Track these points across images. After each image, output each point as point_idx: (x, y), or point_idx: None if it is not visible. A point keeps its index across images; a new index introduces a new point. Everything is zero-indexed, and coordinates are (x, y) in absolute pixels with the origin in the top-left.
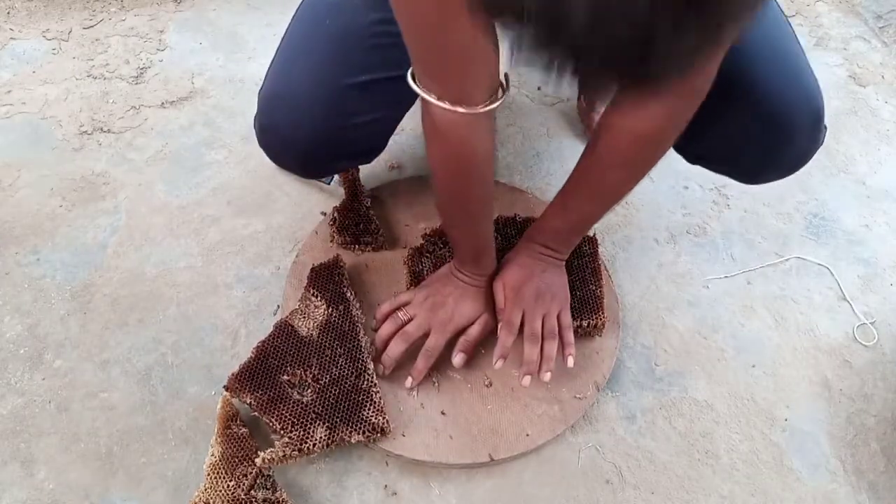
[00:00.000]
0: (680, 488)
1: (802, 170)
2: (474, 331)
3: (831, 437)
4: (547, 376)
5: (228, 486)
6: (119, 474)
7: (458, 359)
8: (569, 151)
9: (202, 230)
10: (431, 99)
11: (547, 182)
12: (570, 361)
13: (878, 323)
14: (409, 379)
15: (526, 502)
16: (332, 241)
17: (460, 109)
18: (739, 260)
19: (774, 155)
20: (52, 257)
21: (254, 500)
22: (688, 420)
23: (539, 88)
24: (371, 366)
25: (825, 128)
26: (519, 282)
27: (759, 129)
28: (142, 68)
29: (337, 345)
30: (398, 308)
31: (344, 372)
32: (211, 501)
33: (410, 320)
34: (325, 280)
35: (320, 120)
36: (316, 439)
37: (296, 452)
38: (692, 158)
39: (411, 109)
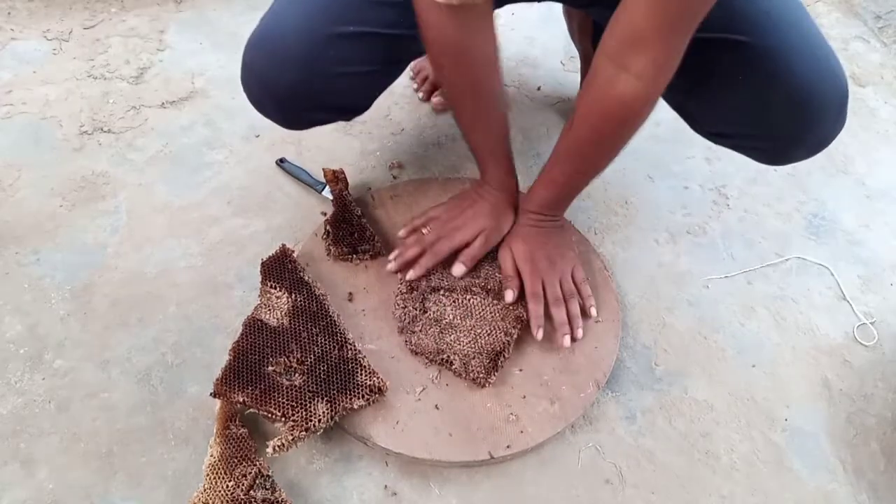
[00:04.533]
0: (680, 488)
1: (802, 170)
2: (476, 244)
3: (831, 437)
4: (579, 332)
5: (227, 486)
6: (119, 474)
7: (457, 268)
8: None
9: (202, 230)
10: None
11: None
12: (594, 311)
13: (878, 323)
14: (411, 271)
15: (526, 502)
16: (328, 255)
17: None
18: (739, 260)
19: (802, 134)
20: (52, 257)
21: (253, 500)
22: (688, 420)
23: (539, 88)
24: (350, 336)
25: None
26: (529, 253)
27: (789, 108)
28: (142, 68)
29: (311, 325)
30: (426, 222)
31: (326, 348)
32: (210, 502)
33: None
34: (279, 271)
35: (303, 63)
36: (319, 415)
37: (303, 433)
38: (714, 136)
39: (414, 106)
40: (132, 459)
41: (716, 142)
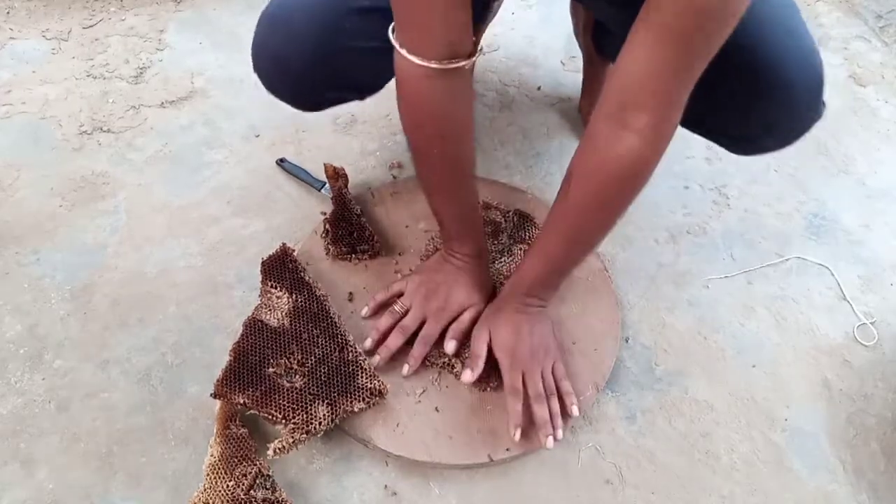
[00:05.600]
0: (680, 488)
1: (802, 170)
2: (466, 318)
3: (831, 437)
4: (560, 433)
5: (228, 486)
6: (119, 474)
7: (450, 346)
8: (569, 151)
9: (202, 230)
10: (395, 44)
11: (547, 182)
12: (575, 410)
13: (878, 323)
14: (406, 366)
15: (526, 502)
16: (327, 254)
17: (414, 59)
18: (739, 260)
19: (772, 124)
20: (52, 257)
21: (253, 499)
22: (688, 420)
23: (539, 88)
24: (351, 338)
25: (824, 103)
26: (511, 343)
27: (759, 96)
28: (142, 68)
29: (311, 327)
30: (393, 298)
31: (326, 350)
32: (210, 501)
33: (407, 312)
34: (279, 270)
35: (318, 38)
36: (320, 418)
37: (304, 435)
38: (688, 123)
39: None
40: (132, 459)
41: (689, 129)
